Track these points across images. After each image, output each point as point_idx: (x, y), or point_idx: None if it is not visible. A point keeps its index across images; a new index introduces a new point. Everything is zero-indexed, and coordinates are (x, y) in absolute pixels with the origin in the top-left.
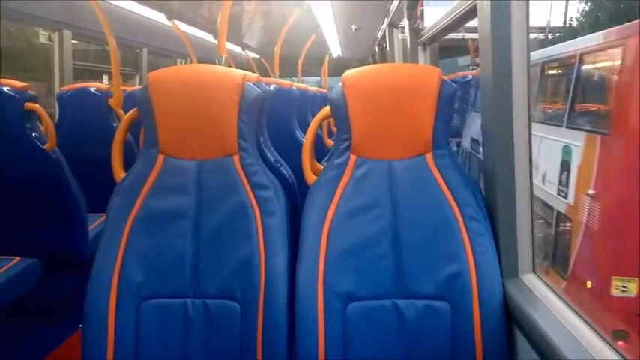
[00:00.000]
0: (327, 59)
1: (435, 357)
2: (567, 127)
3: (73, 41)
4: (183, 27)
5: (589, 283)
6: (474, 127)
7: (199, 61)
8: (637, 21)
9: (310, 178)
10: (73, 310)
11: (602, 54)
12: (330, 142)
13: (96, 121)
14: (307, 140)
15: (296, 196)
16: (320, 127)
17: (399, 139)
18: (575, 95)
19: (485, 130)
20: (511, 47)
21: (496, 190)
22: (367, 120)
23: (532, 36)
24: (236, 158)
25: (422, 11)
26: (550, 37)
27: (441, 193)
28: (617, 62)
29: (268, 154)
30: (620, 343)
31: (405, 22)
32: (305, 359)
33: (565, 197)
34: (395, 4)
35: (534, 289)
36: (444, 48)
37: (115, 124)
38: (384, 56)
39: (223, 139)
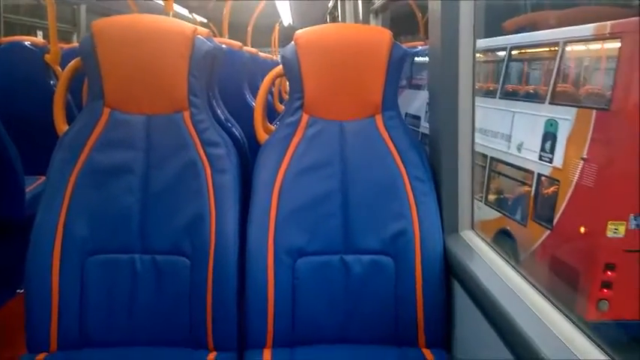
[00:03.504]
0: (277, 27)
1: (379, 309)
2: (551, 104)
3: None
4: None
5: (582, 229)
6: (413, 104)
7: None
8: (621, 20)
9: (262, 136)
10: (9, 277)
11: (586, 44)
12: (280, 107)
13: (31, 78)
14: (260, 97)
15: (247, 155)
16: (271, 92)
17: (350, 100)
18: (557, 79)
19: (432, 98)
20: (459, 21)
21: (440, 152)
22: (320, 79)
23: None
24: (186, 114)
25: None
26: None
27: (389, 154)
28: (597, 52)
29: (219, 111)
30: (609, 273)
31: None
32: (254, 312)
33: (550, 162)
34: None
35: (472, 244)
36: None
37: (52, 82)
38: None
39: (173, 94)
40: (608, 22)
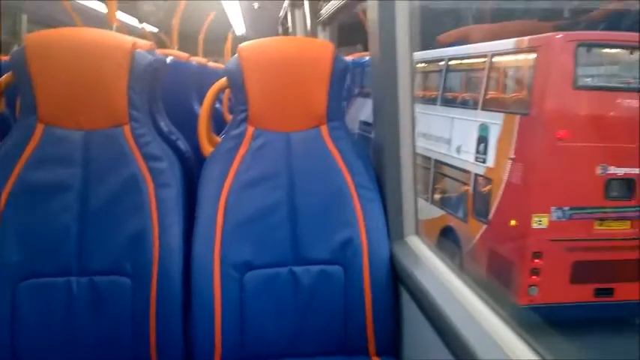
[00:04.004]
0: (230, 37)
1: (329, 319)
2: (483, 110)
3: None
4: None
5: (513, 222)
6: (364, 110)
7: None
8: (537, 36)
9: (207, 149)
10: None
11: (510, 56)
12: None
13: None
14: (204, 110)
15: (193, 169)
16: (220, 101)
17: (295, 112)
18: (487, 88)
19: (375, 107)
20: (396, 33)
21: (384, 160)
22: (264, 91)
23: None
24: (127, 128)
25: None
26: None
27: (335, 164)
28: (519, 63)
29: (163, 124)
30: (537, 261)
31: (305, 2)
32: (201, 330)
33: (483, 162)
34: None
35: (417, 249)
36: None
37: None
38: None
39: (112, 108)
40: (527, 38)
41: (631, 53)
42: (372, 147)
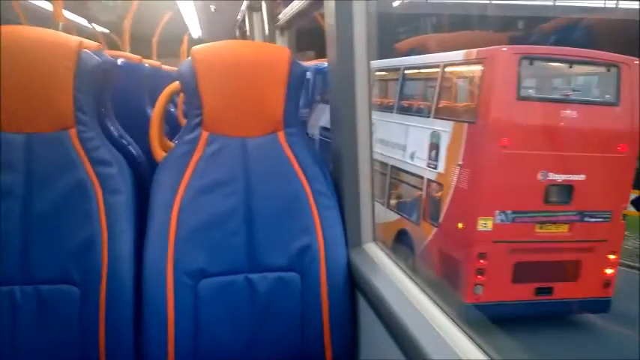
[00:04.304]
0: (185, 39)
1: (286, 325)
2: (435, 118)
3: None
4: None
5: (460, 225)
6: (324, 116)
7: None
8: (484, 49)
9: (159, 154)
10: None
11: (459, 67)
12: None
13: None
14: (155, 114)
15: (145, 174)
16: (175, 105)
17: (251, 117)
18: (439, 97)
19: (332, 114)
20: (353, 40)
21: (342, 168)
22: (218, 96)
23: None
24: (73, 132)
25: None
26: None
27: (293, 170)
28: (467, 74)
29: (112, 128)
30: (482, 261)
31: (263, 6)
32: (153, 340)
33: (435, 168)
34: None
35: (374, 256)
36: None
37: None
38: (244, 40)
39: (57, 111)
40: (475, 50)
41: (570, 67)
42: (331, 153)
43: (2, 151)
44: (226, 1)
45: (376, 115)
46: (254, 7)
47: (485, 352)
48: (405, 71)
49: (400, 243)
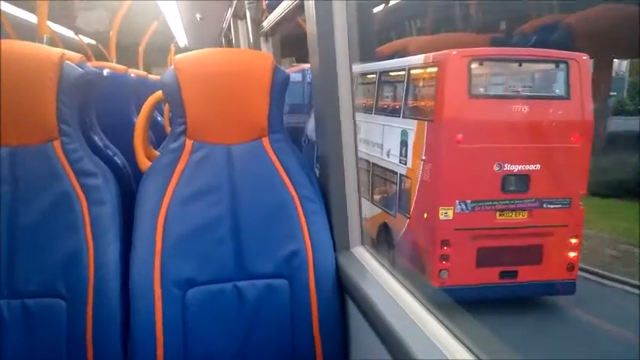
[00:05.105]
0: (173, 48)
1: (276, 332)
2: (403, 117)
3: None
4: (8, 7)
5: (425, 215)
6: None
7: None
8: (438, 52)
9: (144, 163)
10: None
11: (421, 70)
12: None
13: None
14: (139, 124)
15: (131, 185)
16: (162, 114)
17: (235, 124)
18: (406, 98)
19: (317, 120)
20: (335, 45)
21: (328, 173)
22: (202, 104)
23: None
24: (57, 143)
25: (267, 4)
26: None
27: (279, 176)
28: (427, 76)
29: (97, 139)
30: (445, 248)
31: (247, 13)
32: (141, 351)
33: (405, 164)
34: None
35: (362, 260)
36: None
37: None
38: (230, 47)
39: (41, 123)
40: (431, 54)
41: (520, 65)
42: (318, 159)
43: None
44: (212, 9)
45: (359, 117)
46: (239, 15)
47: (472, 352)
48: (382, 74)
49: (382, 235)
